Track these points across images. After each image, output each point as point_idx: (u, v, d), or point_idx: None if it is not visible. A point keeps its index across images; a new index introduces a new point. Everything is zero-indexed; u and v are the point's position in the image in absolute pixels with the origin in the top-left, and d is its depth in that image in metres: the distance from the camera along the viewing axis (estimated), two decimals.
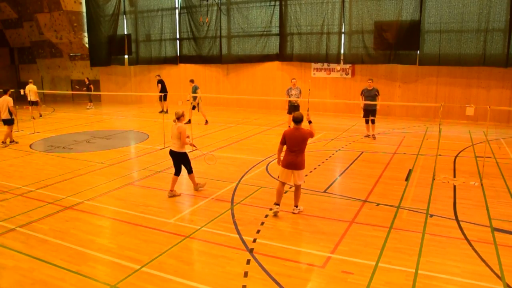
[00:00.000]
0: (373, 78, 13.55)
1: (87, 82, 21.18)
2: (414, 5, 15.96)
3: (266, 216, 6.52)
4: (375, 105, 12.09)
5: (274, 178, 8.56)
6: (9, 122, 12.21)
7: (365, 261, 5.08)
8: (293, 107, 13.00)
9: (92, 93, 20.97)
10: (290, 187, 7.98)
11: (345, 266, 4.99)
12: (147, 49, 22.47)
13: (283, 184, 6.59)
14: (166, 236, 5.93)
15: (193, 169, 7.71)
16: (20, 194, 7.83)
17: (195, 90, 15.27)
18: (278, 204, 6.57)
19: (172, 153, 7.53)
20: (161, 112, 18.14)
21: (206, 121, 15.52)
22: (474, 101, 15.38)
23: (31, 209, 7.01)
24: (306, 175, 8.75)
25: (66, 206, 7.14)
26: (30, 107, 17.74)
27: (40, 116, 18.27)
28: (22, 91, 17.16)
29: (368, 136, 12.56)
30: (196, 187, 7.83)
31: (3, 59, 27.94)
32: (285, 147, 6.57)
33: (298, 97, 12.98)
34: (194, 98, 14.92)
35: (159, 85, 19.07)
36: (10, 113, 12.14)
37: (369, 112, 12.22)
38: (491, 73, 15.42)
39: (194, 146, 8.20)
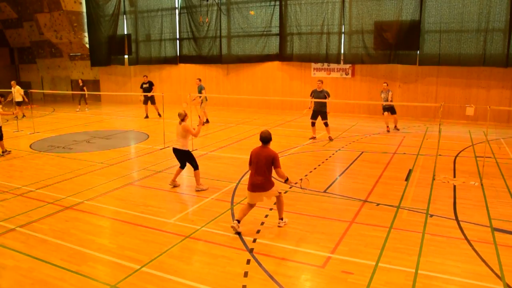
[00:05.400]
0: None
1: (81, 84, 20.66)
2: (414, 5, 15.95)
3: (266, 216, 6.52)
4: (325, 107, 11.95)
5: (274, 178, 8.54)
6: None
7: (365, 261, 5.08)
8: (386, 108, 13.64)
9: (88, 92, 20.45)
10: (290, 187, 7.99)
11: (345, 266, 4.99)
12: (147, 49, 22.46)
13: (251, 206, 6.01)
14: (166, 236, 5.93)
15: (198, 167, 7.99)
16: (20, 194, 7.83)
17: (200, 90, 15.25)
18: (238, 221, 5.89)
19: (176, 151, 7.91)
20: (146, 117, 17.66)
21: (207, 120, 15.52)
22: (474, 101, 15.38)
23: (31, 209, 7.02)
24: (306, 175, 8.77)
25: (66, 206, 7.14)
26: (17, 108, 17.16)
27: (24, 116, 17.73)
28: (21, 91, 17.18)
29: (313, 138, 12.40)
30: (198, 187, 7.90)
31: (3, 59, 27.93)
32: None
33: (389, 99, 13.42)
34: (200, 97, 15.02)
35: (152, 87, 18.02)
36: None
37: (318, 114, 12.07)
38: (491, 73, 15.42)
39: (201, 119, 8.56)
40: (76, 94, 24.32)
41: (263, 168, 5.80)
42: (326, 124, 12.22)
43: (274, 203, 6.52)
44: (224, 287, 4.61)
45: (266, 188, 5.85)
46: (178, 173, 8.07)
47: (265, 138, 5.84)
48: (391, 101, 13.50)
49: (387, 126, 13.83)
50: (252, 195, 5.92)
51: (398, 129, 14.01)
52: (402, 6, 16.19)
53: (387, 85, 13.84)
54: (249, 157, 6.01)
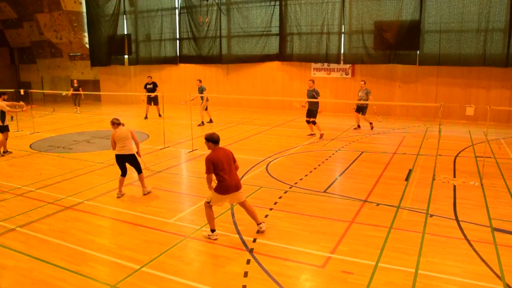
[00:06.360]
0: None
1: (76, 84, 19.95)
2: (414, 5, 15.95)
3: (266, 216, 6.52)
4: (314, 106, 12.32)
5: (274, 178, 8.56)
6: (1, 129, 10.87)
7: (365, 261, 5.08)
8: (359, 108, 13.82)
9: (84, 93, 20.05)
10: (290, 187, 7.99)
11: (345, 266, 4.99)
12: (147, 49, 22.45)
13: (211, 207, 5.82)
14: (166, 236, 5.93)
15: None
16: (20, 194, 7.83)
17: (201, 91, 15.22)
18: (214, 230, 5.81)
19: (125, 157, 7.53)
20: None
21: (202, 123, 15.47)
22: (474, 101, 15.37)
23: (31, 209, 7.02)
24: (306, 175, 8.78)
25: (66, 206, 7.14)
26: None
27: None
28: (22, 91, 17.15)
29: (312, 134, 12.89)
30: (145, 190, 7.72)
31: (3, 59, 27.91)
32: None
33: (365, 99, 13.48)
34: (201, 98, 15.12)
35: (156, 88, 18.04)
36: (3, 120, 10.82)
37: (310, 113, 12.49)
38: (491, 73, 15.41)
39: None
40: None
41: (232, 167, 5.74)
42: (313, 123, 12.53)
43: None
44: (224, 287, 4.61)
45: (240, 187, 5.78)
46: (122, 183, 7.66)
47: (218, 138, 5.80)
48: (366, 105, 13.61)
49: (358, 125, 14.17)
50: (220, 198, 5.69)
51: (359, 127, 14.11)
52: (402, 6, 16.19)
53: (365, 83, 13.99)
54: (214, 164, 5.57)
